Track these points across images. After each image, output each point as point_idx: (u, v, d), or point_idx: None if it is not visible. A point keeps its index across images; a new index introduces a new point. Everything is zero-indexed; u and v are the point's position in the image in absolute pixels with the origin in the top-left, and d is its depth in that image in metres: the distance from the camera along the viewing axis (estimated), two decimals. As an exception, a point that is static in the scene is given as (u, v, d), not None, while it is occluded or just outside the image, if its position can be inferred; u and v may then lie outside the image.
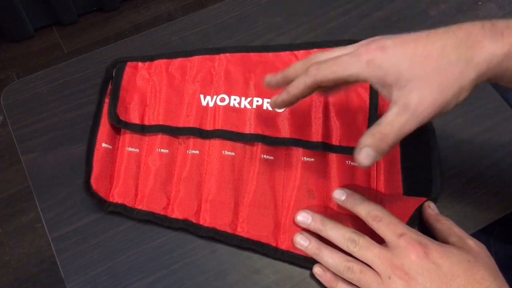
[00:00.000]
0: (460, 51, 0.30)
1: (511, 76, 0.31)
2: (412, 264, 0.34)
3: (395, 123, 0.31)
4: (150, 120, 0.46)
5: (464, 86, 0.30)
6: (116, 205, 0.42)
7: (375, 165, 0.44)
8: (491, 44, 0.30)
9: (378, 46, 0.31)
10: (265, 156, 0.44)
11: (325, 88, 0.36)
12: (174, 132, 0.45)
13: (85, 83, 0.49)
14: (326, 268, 0.39)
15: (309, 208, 0.42)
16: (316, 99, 0.46)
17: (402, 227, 0.37)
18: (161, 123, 0.45)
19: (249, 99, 0.46)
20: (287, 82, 0.37)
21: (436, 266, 0.34)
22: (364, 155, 0.32)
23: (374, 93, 0.45)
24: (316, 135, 0.44)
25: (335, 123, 0.45)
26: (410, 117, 0.30)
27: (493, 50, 0.29)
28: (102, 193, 0.42)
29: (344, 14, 0.53)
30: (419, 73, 0.30)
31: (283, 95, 0.37)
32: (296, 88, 0.35)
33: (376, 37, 0.33)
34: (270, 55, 0.49)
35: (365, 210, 0.38)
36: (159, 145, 0.45)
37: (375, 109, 0.45)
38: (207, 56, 0.49)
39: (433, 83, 0.30)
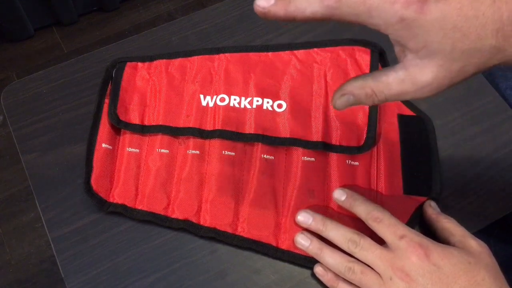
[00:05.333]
0: (497, 38, 0.25)
1: None
2: (413, 265, 0.35)
3: (395, 89, 0.28)
4: (150, 120, 0.46)
5: (478, 72, 0.27)
6: (116, 205, 0.42)
7: (375, 165, 0.44)
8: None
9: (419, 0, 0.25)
10: (265, 156, 0.44)
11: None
12: (174, 132, 0.45)
13: (85, 83, 0.49)
14: (327, 268, 0.39)
15: (309, 208, 0.42)
16: (317, 99, 0.46)
17: (402, 229, 0.37)
18: (161, 123, 0.45)
19: (249, 99, 0.46)
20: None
21: (437, 267, 0.34)
22: (344, 101, 0.29)
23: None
24: (316, 135, 0.44)
25: (335, 123, 0.45)
26: (413, 91, 0.27)
27: None
28: (102, 194, 0.42)
29: (344, 14, 0.53)
30: (447, 51, 0.26)
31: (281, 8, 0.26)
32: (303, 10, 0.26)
33: None
34: (270, 54, 0.49)
35: (365, 211, 0.38)
36: (159, 146, 0.45)
37: (375, 108, 0.45)
38: (207, 56, 0.49)
39: (455, 67, 0.26)
